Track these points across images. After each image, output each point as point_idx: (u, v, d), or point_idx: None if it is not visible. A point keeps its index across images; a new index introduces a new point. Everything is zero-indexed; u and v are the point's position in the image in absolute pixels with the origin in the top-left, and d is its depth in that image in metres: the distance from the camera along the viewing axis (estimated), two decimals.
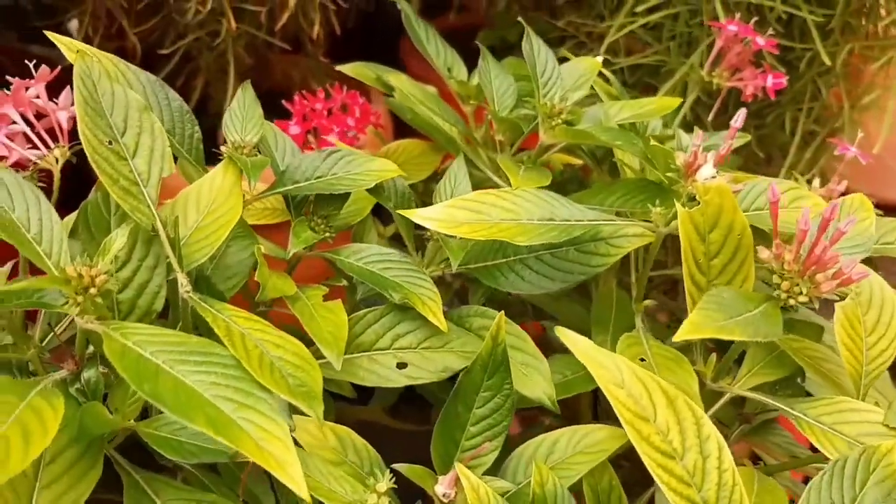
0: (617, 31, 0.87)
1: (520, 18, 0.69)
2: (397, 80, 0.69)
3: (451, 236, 0.57)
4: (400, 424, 0.70)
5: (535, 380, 0.55)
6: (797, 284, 0.49)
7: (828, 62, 0.83)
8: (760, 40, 0.73)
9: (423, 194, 0.77)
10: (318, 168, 0.57)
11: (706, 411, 0.58)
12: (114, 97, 0.47)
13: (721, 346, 0.60)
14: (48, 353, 0.50)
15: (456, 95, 0.74)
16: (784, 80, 0.75)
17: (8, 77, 0.53)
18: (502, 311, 0.52)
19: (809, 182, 0.92)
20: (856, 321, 0.54)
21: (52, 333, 0.50)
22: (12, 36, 0.99)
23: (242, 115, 0.57)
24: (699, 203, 0.51)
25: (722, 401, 0.59)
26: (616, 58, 0.91)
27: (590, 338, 0.61)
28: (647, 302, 0.61)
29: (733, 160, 0.83)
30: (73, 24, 0.89)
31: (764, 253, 0.49)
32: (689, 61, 0.85)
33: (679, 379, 0.53)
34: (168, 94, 0.54)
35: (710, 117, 0.80)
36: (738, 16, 0.78)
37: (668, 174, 0.53)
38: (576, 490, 0.53)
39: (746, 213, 0.57)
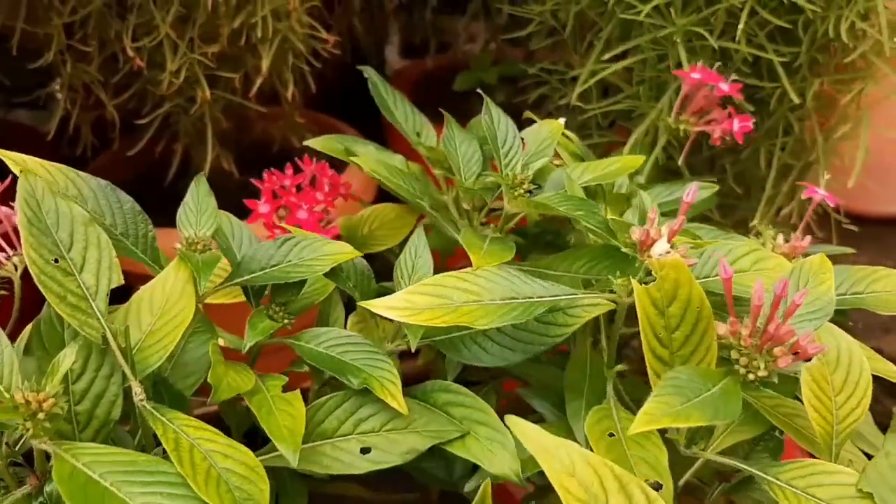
0: (588, 78, 0.87)
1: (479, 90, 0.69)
2: (363, 153, 0.69)
3: None
4: (374, 495, 0.69)
5: (501, 455, 0.54)
6: (755, 359, 0.48)
7: (796, 99, 0.82)
8: (724, 86, 0.73)
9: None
10: (273, 256, 0.57)
11: (682, 475, 0.58)
12: (58, 213, 0.47)
13: None
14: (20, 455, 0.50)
15: (426, 160, 0.74)
16: (751, 123, 0.74)
17: None
18: (488, 480, 0.50)
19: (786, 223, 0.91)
20: (823, 382, 0.53)
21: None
22: None
23: (196, 208, 0.57)
24: (655, 277, 0.50)
25: (696, 465, 0.58)
26: (588, 103, 0.91)
27: (563, 402, 0.61)
28: (618, 367, 0.60)
29: (708, 201, 0.83)
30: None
31: (721, 329, 0.49)
32: (659, 105, 0.85)
33: (648, 453, 0.52)
34: (119, 198, 0.54)
35: (680, 161, 0.80)
36: (702, 60, 0.78)
37: (625, 249, 0.53)
38: None
39: (705, 280, 0.56)
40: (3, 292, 0.50)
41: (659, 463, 0.52)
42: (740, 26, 0.80)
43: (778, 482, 0.52)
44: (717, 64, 0.78)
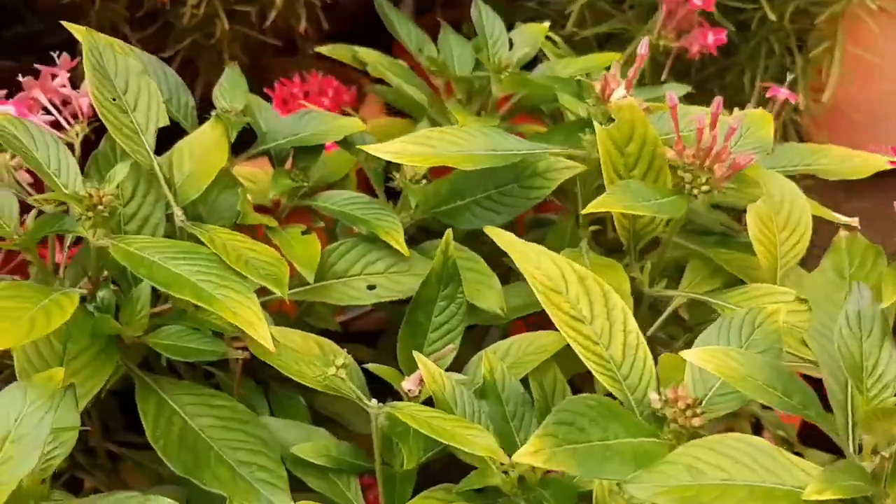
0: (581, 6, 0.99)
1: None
2: (369, 55, 0.81)
3: (417, 182, 0.69)
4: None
5: (487, 293, 0.65)
6: (698, 176, 0.60)
7: (773, 18, 0.94)
8: (697, 0, 0.85)
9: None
10: (295, 126, 0.69)
11: (650, 326, 0.69)
12: (116, 64, 0.60)
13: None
14: None
15: (427, 70, 0.86)
16: (724, 36, 0.86)
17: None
18: (450, 230, 0.62)
19: None
20: (768, 220, 0.64)
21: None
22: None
23: (230, 87, 0.70)
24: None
25: (667, 312, 0.69)
26: (583, 29, 1.03)
27: None
28: (592, 227, 0.71)
29: None
30: None
31: (669, 152, 0.60)
32: (647, 27, 0.96)
33: (612, 280, 0.63)
34: (165, 70, 0.68)
35: (663, 77, 0.91)
36: None
37: (590, 101, 0.64)
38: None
39: (665, 136, 0.68)
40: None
41: (622, 287, 0.62)
42: None
43: (728, 304, 0.63)
44: None
